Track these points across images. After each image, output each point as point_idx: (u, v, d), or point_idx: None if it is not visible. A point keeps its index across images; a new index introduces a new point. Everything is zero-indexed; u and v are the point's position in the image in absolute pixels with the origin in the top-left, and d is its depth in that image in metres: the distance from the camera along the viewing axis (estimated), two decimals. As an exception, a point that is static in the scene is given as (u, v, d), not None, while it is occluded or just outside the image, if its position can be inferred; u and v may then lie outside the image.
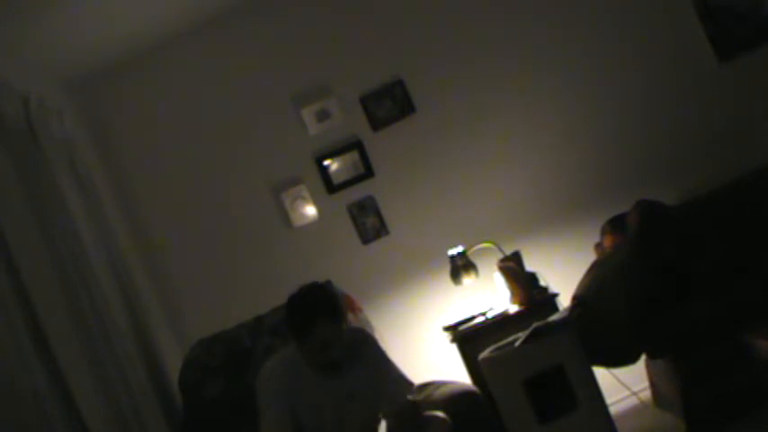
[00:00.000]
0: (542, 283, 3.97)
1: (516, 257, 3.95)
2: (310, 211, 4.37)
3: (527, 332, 3.32)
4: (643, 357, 3.54)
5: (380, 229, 4.36)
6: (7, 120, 3.18)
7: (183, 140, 4.43)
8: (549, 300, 3.87)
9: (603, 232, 3.98)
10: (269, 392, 2.92)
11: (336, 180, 4.37)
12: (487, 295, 4.12)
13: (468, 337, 3.86)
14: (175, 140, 4.43)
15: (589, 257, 3.93)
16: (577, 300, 3.61)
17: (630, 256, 3.50)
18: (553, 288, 3.97)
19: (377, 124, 4.36)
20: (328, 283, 3.68)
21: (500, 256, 4.00)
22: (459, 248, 4.06)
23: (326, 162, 4.37)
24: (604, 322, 3.41)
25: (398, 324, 4.23)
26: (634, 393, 3.84)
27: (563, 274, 4.00)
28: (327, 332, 2.81)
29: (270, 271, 4.32)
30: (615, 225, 3.89)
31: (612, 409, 3.58)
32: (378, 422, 2.99)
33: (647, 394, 3.88)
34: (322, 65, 4.41)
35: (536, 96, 4.34)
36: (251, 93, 4.41)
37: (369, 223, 4.36)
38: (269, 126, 4.40)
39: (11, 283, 2.77)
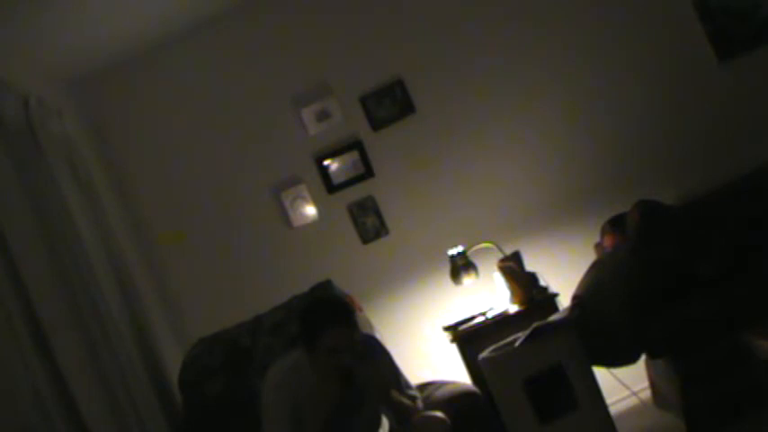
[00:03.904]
0: (542, 283, 3.97)
1: (516, 257, 3.95)
2: (310, 211, 4.37)
3: (527, 332, 3.32)
4: (643, 357, 3.54)
5: (380, 229, 4.36)
6: (7, 120, 3.18)
7: (183, 140, 4.43)
8: (549, 300, 3.87)
9: (603, 232, 3.98)
10: (274, 404, 2.89)
11: (336, 180, 4.37)
12: (487, 295, 4.12)
13: (468, 337, 3.86)
14: (175, 140, 4.43)
15: (589, 257, 3.93)
16: (577, 300, 3.61)
17: (630, 255, 3.50)
18: (553, 288, 3.97)
19: (377, 124, 4.36)
20: (327, 282, 3.69)
21: (500, 256, 4.00)
22: (459, 248, 4.06)
23: (326, 162, 4.37)
24: (604, 322, 3.41)
25: (398, 324, 4.23)
26: (634, 393, 3.84)
27: (563, 274, 4.00)
28: (338, 338, 2.79)
29: (270, 271, 4.32)
30: (615, 225, 3.89)
31: (612, 409, 3.58)
32: (380, 422, 3.00)
33: (647, 394, 3.88)
34: (322, 65, 4.41)
35: (536, 96, 4.34)
36: (251, 93, 4.42)
37: (369, 223, 4.36)
38: (269, 126, 4.40)
39: (11, 282, 2.77)
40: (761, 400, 3.14)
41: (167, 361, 3.81)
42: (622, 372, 3.65)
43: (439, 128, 4.35)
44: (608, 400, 3.49)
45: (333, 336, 2.78)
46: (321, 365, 2.82)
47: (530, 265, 3.99)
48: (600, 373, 3.46)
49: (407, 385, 3.07)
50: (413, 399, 2.99)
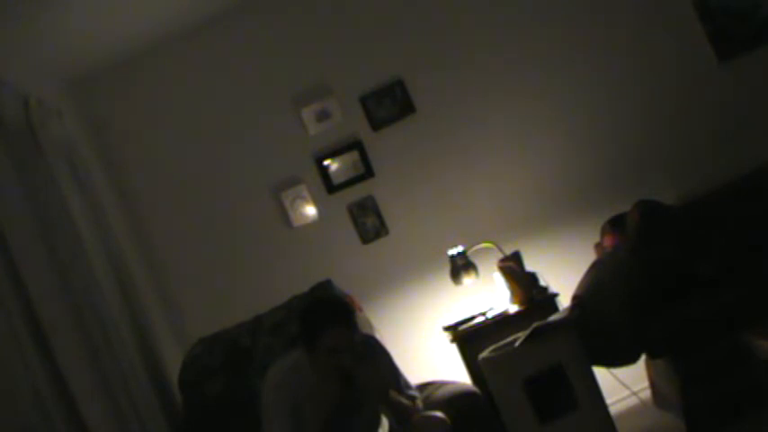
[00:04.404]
0: (542, 283, 3.97)
1: (516, 257, 3.95)
2: (310, 211, 4.37)
3: (527, 332, 3.32)
4: (643, 357, 3.54)
5: (380, 229, 4.36)
6: (7, 120, 3.18)
7: (183, 140, 4.43)
8: (549, 300, 3.87)
9: (603, 232, 3.98)
10: (274, 404, 2.89)
11: (336, 180, 4.37)
12: (487, 295, 4.12)
13: (468, 337, 3.87)
14: (175, 140, 4.43)
15: (589, 257, 3.93)
16: (577, 300, 3.61)
17: (630, 255, 3.50)
18: (553, 288, 3.97)
19: (377, 124, 4.36)
20: (327, 281, 3.69)
21: (500, 256, 4.00)
22: (459, 248, 4.06)
23: (326, 162, 4.37)
24: (604, 322, 3.41)
25: (398, 324, 4.23)
26: (634, 393, 3.84)
27: (563, 274, 4.00)
28: (337, 339, 2.80)
29: (270, 271, 4.32)
30: (615, 225, 3.89)
31: (612, 409, 3.59)
32: (380, 422, 3.00)
33: (647, 394, 3.88)
34: (322, 65, 4.41)
35: (536, 96, 4.34)
36: (251, 93, 4.41)
37: (369, 223, 4.36)
38: (269, 126, 4.40)
39: (11, 283, 2.77)
40: (761, 400, 3.14)
41: (167, 361, 3.81)
42: (622, 372, 3.65)
43: (439, 128, 4.35)
44: (608, 400, 3.49)
45: (333, 336, 2.79)
46: (321, 365, 2.82)
47: (530, 265, 3.99)
48: (600, 373, 3.46)
49: (407, 385, 3.08)
50: (412, 399, 3.00)
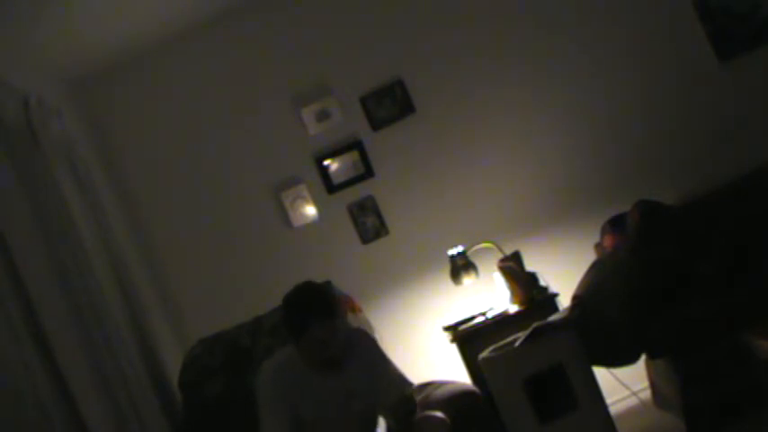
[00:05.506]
0: (542, 283, 3.97)
1: (516, 257, 3.95)
2: (310, 211, 4.37)
3: (527, 332, 3.32)
4: (643, 357, 3.54)
5: (380, 229, 4.36)
6: (7, 120, 3.18)
7: (183, 140, 4.43)
8: (549, 300, 3.87)
9: (603, 232, 3.98)
10: (267, 398, 2.91)
11: (336, 180, 4.37)
12: (487, 295, 4.12)
13: (468, 337, 3.87)
14: (175, 140, 4.43)
15: (589, 257, 3.93)
16: (577, 300, 3.61)
17: (630, 255, 3.49)
18: (553, 288, 3.97)
19: (377, 124, 4.37)
20: (327, 282, 3.69)
21: (500, 256, 4.00)
22: (459, 248, 4.06)
23: (326, 162, 4.37)
24: (604, 322, 3.41)
25: (398, 324, 4.23)
26: (634, 393, 3.84)
27: (563, 274, 4.00)
28: (324, 331, 2.81)
29: (270, 271, 4.32)
30: (615, 225, 3.89)
31: (612, 409, 3.59)
32: (377, 420, 3.00)
33: (647, 394, 3.88)
34: (322, 65, 4.41)
35: (536, 96, 4.34)
36: (251, 93, 4.42)
37: (369, 223, 4.37)
38: (269, 126, 4.41)
39: (11, 283, 2.77)
40: (761, 400, 3.13)
41: (167, 361, 3.81)
42: (622, 372, 3.65)
43: (439, 128, 4.35)
44: (608, 400, 3.49)
45: (319, 329, 2.79)
46: (308, 357, 2.85)
47: (530, 265, 3.99)
48: (600, 373, 3.46)
49: (401, 378, 3.02)
50: (405, 395, 2.96)
